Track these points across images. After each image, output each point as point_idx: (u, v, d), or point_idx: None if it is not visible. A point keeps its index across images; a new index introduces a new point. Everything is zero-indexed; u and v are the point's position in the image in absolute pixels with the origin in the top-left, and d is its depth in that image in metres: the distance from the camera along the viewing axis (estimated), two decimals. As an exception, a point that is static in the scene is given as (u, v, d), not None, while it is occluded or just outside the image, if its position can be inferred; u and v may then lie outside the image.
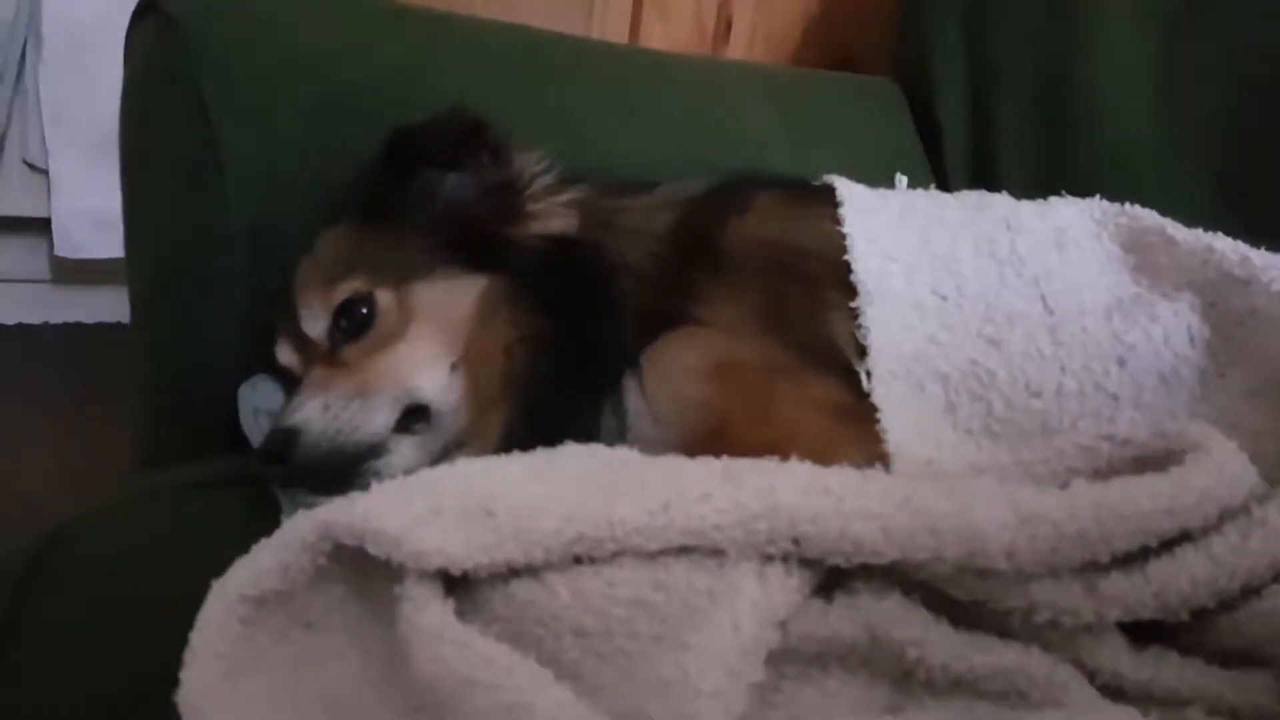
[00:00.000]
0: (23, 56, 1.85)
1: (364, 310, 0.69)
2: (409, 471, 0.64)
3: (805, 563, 0.49)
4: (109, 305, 2.10)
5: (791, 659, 0.48)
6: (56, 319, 2.11)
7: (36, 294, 2.08)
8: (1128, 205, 0.78)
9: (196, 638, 0.47)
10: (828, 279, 0.69)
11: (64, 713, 0.55)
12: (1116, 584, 0.49)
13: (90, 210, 1.93)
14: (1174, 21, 1.10)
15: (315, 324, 0.70)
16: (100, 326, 2.10)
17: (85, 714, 0.54)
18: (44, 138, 1.90)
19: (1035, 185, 1.07)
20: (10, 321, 2.09)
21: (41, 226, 1.99)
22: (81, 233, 1.94)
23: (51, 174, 1.92)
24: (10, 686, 0.57)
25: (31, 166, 1.94)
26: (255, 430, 0.70)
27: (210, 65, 0.75)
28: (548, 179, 0.75)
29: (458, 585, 0.49)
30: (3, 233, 2.00)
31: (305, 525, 0.50)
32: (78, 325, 2.11)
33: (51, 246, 1.97)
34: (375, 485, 0.53)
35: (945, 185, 1.14)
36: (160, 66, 0.76)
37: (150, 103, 0.78)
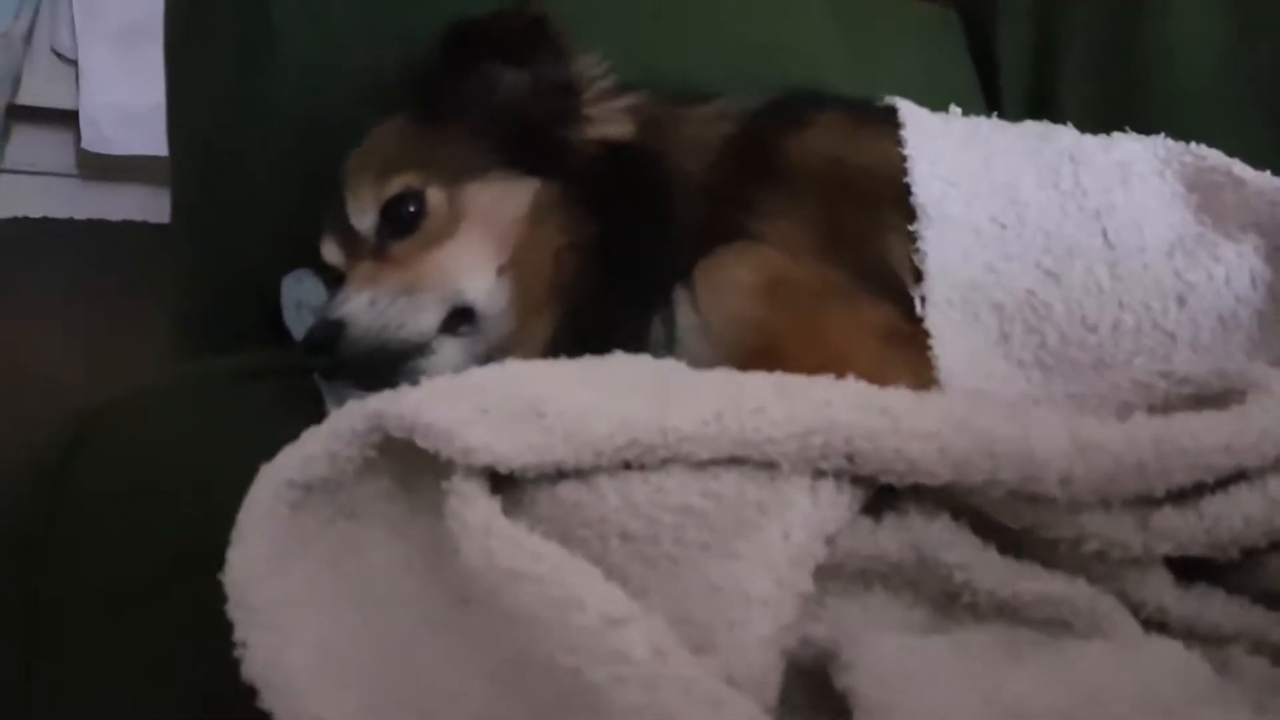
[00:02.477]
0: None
1: (413, 207, 0.68)
2: (454, 372, 0.65)
3: (856, 480, 0.49)
4: (136, 202, 2.09)
5: (837, 574, 0.48)
6: (82, 214, 2.10)
7: (63, 187, 2.06)
8: (1193, 144, 0.75)
9: (245, 518, 0.47)
10: (887, 199, 0.67)
11: (105, 589, 0.55)
12: (1169, 518, 0.48)
13: (119, 105, 1.90)
14: None
15: (363, 218, 0.69)
16: (126, 224, 2.09)
17: (126, 590, 0.55)
18: (74, 27, 1.86)
19: (1095, 125, 1.04)
20: (36, 214, 2.08)
21: (69, 119, 1.96)
22: (110, 127, 1.92)
23: (81, 66, 1.88)
24: (54, 562, 0.58)
25: (61, 57, 1.91)
26: (298, 323, 0.70)
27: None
28: (606, 83, 0.73)
29: (504, 484, 0.49)
30: (30, 123, 1.97)
31: (356, 414, 0.49)
32: (103, 222, 2.10)
33: (79, 140, 1.95)
34: (426, 381, 0.52)
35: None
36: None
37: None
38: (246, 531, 0.47)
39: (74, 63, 1.90)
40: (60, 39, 1.88)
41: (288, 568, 0.48)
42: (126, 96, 1.86)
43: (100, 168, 2.00)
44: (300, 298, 0.71)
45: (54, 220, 2.08)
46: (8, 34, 1.80)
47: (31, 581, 0.57)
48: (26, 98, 1.91)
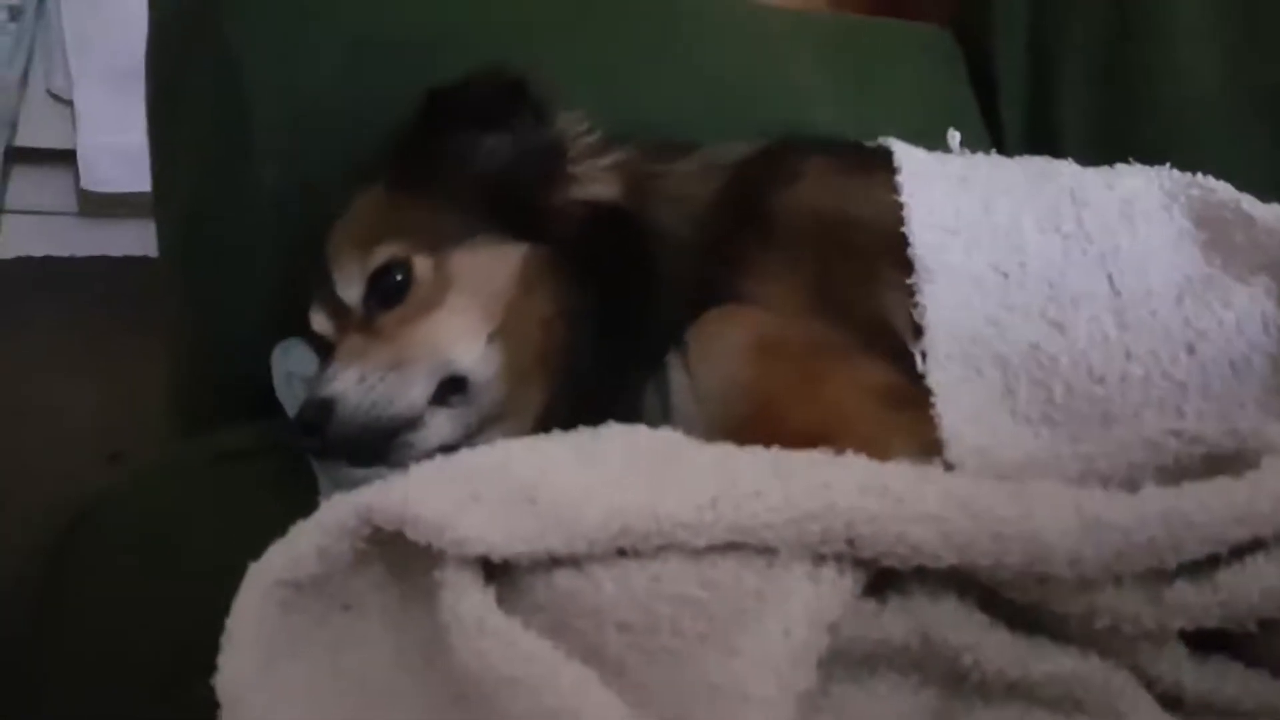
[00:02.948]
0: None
1: (400, 277, 0.66)
2: (445, 444, 0.64)
3: (859, 562, 0.47)
4: (136, 238, 2.08)
5: (840, 660, 0.47)
6: (83, 252, 2.11)
7: (64, 227, 2.07)
8: (1200, 176, 0.73)
9: (234, 625, 0.46)
10: (883, 253, 0.66)
11: (106, 683, 0.55)
12: (1182, 592, 0.47)
13: (116, 144, 1.90)
14: None
15: (350, 290, 0.68)
16: (128, 260, 2.09)
17: (127, 684, 0.54)
18: (68, 69, 1.86)
19: (1096, 146, 1.03)
20: (38, 254, 2.09)
21: (68, 159, 1.97)
22: (107, 166, 1.92)
23: (76, 107, 1.89)
24: (51, 655, 0.57)
25: (56, 98, 1.91)
26: (289, 395, 0.69)
27: (238, 11, 0.72)
28: (591, 140, 0.72)
29: (499, 571, 0.48)
30: (29, 164, 1.98)
31: (344, 509, 0.49)
32: (105, 258, 2.10)
33: (78, 179, 1.95)
34: (414, 467, 0.51)
35: (1000, 143, 1.09)
36: (186, 13, 0.73)
37: (176, 52, 0.75)
38: (237, 638, 0.46)
39: (70, 103, 1.90)
40: (55, 81, 1.89)
41: (281, 670, 0.47)
42: (123, 135, 1.85)
43: (100, 205, 2.00)
44: (290, 369, 0.70)
45: (56, 259, 2.09)
46: (3, 78, 1.80)
47: (23, 687, 0.56)
48: (24, 140, 1.92)
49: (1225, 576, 0.47)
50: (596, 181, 0.70)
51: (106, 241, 2.09)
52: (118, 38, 1.77)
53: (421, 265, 0.67)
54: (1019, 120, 1.13)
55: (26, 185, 2.02)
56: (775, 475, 0.49)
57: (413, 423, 0.63)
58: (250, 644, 0.46)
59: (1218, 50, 1.04)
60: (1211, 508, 0.46)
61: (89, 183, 1.90)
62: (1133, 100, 1.06)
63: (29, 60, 1.83)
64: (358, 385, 0.62)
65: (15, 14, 1.79)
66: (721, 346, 0.63)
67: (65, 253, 2.09)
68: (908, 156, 0.72)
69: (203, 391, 0.79)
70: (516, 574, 0.49)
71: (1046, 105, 1.11)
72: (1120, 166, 0.76)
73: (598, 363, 0.65)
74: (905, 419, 0.60)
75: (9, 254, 2.05)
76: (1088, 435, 0.60)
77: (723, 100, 0.93)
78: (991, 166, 0.76)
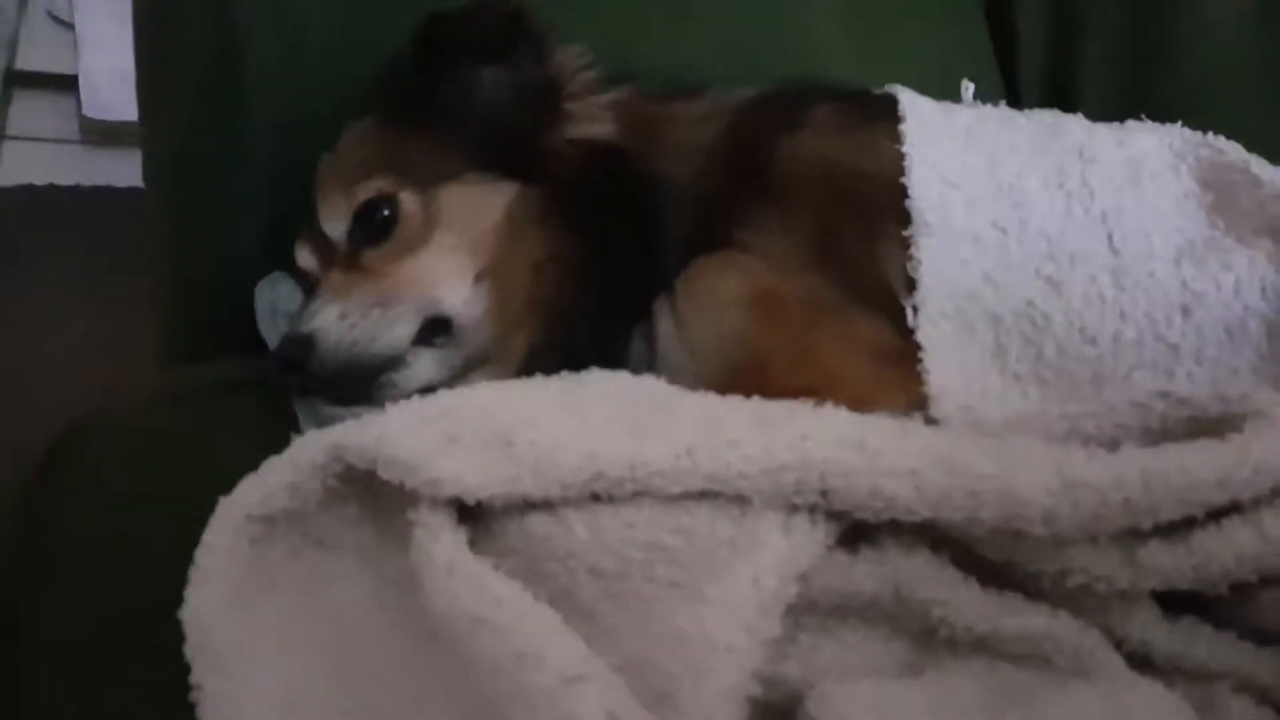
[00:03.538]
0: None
1: (386, 212, 0.65)
2: (428, 385, 0.63)
3: (832, 514, 0.47)
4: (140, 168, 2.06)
5: (810, 610, 0.47)
6: (87, 181, 2.09)
7: (67, 154, 2.05)
8: (1211, 136, 0.71)
9: (203, 558, 0.46)
10: (884, 205, 0.64)
11: (87, 608, 0.55)
12: (1156, 553, 0.47)
13: (119, 69, 1.86)
14: None
15: (335, 225, 0.67)
16: (133, 190, 2.07)
17: (107, 610, 0.55)
18: (68, -10, 1.82)
19: (1114, 103, 1.00)
20: (41, 182, 2.07)
21: (70, 84, 1.94)
22: (110, 92, 1.89)
23: (78, 31, 1.85)
24: (31, 580, 0.58)
25: (58, 20, 1.88)
26: (272, 330, 0.69)
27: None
28: (589, 77, 0.70)
29: (472, 513, 0.48)
30: (31, 89, 1.95)
31: (316, 446, 0.48)
32: (109, 188, 2.09)
33: (80, 106, 1.93)
34: (390, 406, 0.51)
35: (1017, 99, 1.06)
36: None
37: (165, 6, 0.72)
38: (206, 571, 0.46)
39: (71, 26, 1.86)
40: (56, 3, 1.85)
41: (252, 606, 0.47)
42: (126, 60, 1.82)
43: (103, 133, 1.98)
44: (275, 303, 0.69)
45: (59, 188, 2.07)
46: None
47: (10, 612, 0.57)
48: (24, 63, 1.89)
49: (1200, 539, 0.47)
50: (593, 120, 0.68)
51: (111, 170, 2.07)
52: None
53: (409, 201, 0.65)
54: (1038, 75, 1.10)
55: (28, 111, 1.99)
56: (754, 425, 0.49)
57: (395, 362, 0.62)
58: (219, 577, 0.46)
59: (1249, 10, 1.00)
60: (1190, 470, 0.46)
61: (91, 109, 1.88)
62: (1155, 59, 1.02)
63: (30, -20, 1.80)
64: (339, 322, 0.61)
65: (16, -65, 1.75)
66: (712, 296, 0.62)
67: (68, 181, 2.07)
68: (913, 107, 0.70)
69: (192, 326, 0.78)
70: (491, 516, 0.49)
71: (1066, 61, 1.08)
72: (1131, 124, 0.74)
73: (586, 308, 0.64)
74: (896, 377, 0.59)
75: (11, 181, 2.04)
76: (1077, 395, 0.59)
77: (735, 46, 0.90)
78: (1000, 120, 0.74)
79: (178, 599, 0.46)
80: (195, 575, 0.46)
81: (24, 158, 2.02)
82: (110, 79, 1.88)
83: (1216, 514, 0.47)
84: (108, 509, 0.59)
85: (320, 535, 0.50)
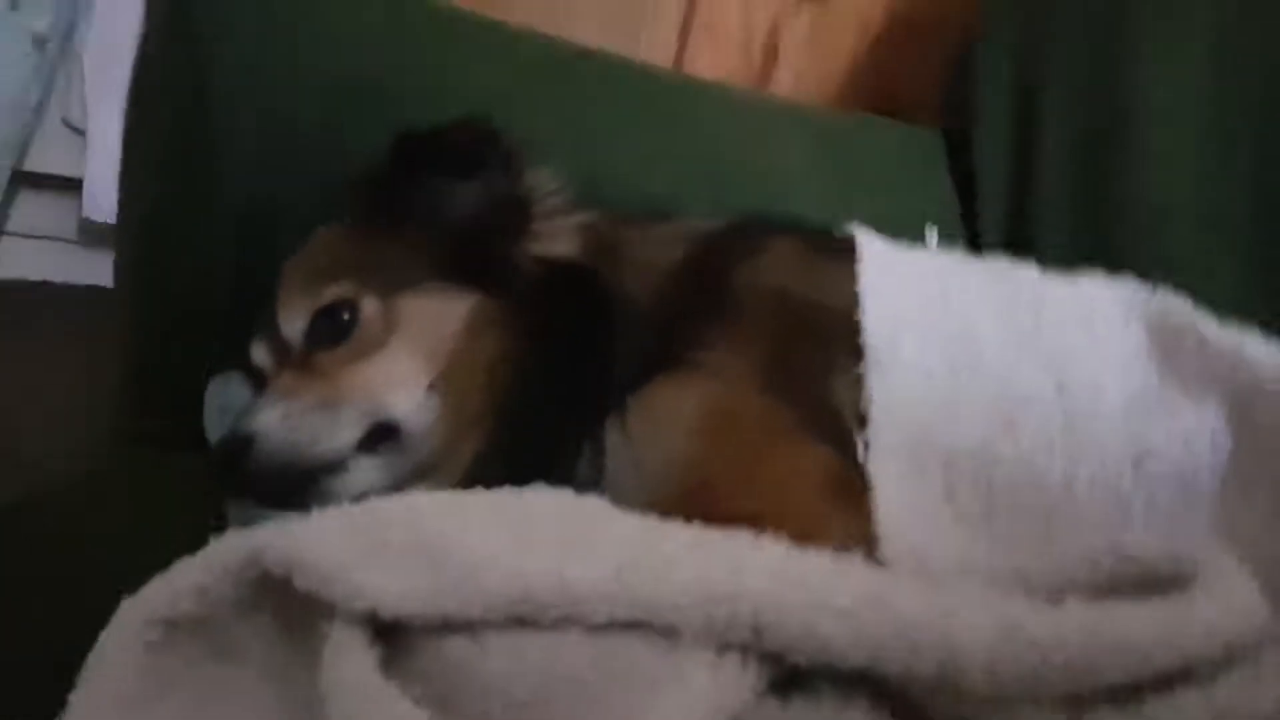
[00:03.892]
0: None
1: (346, 316, 0.65)
2: (366, 493, 0.61)
3: (766, 656, 0.45)
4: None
5: (737, 759, 0.44)
6: (80, 280, 2.11)
7: (62, 253, 2.08)
8: (1160, 292, 0.73)
9: (95, 658, 0.44)
10: (839, 338, 0.64)
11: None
12: (1105, 718, 0.44)
13: (123, 175, 1.92)
14: (1216, 57, 1.05)
15: (293, 325, 0.67)
16: (123, 291, 2.09)
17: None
18: (84, 99, 1.90)
19: (1070, 251, 1.03)
20: (35, 277, 2.09)
21: (73, 187, 1.99)
22: (111, 196, 1.93)
23: (89, 136, 1.91)
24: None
25: (72, 127, 1.94)
26: (218, 429, 0.67)
27: (215, 33, 0.72)
28: (558, 199, 0.71)
29: (390, 631, 0.46)
30: (35, 189, 2.00)
31: (230, 548, 0.46)
32: (101, 289, 2.11)
33: (81, 207, 1.97)
34: (316, 512, 0.49)
35: (976, 242, 1.10)
36: (165, 29, 0.73)
37: (151, 66, 0.75)
38: (94, 675, 0.43)
39: (83, 132, 1.93)
40: (71, 110, 1.92)
41: (140, 712, 0.44)
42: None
43: (100, 235, 2.02)
44: (224, 402, 0.68)
45: (53, 284, 2.09)
46: (19, 103, 1.83)
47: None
48: (33, 165, 1.94)
49: (1152, 707, 0.44)
50: (559, 239, 0.70)
51: (105, 272, 2.10)
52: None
53: (370, 306, 0.66)
54: (997, 219, 1.14)
55: (29, 210, 2.03)
56: (690, 550, 0.47)
57: (335, 467, 0.61)
58: (106, 681, 0.43)
59: (1189, 146, 1.05)
60: (1134, 632, 0.44)
61: (91, 210, 1.91)
62: (1104, 210, 1.07)
63: (48, 89, 1.87)
64: (281, 422, 0.60)
65: (40, 42, 1.83)
66: (664, 416, 0.62)
67: (62, 279, 2.09)
68: (870, 245, 0.72)
69: (144, 413, 0.76)
70: (410, 634, 0.46)
71: (1023, 204, 1.12)
72: (1083, 277, 0.76)
73: (536, 421, 0.63)
74: (843, 509, 0.58)
75: (5, 275, 2.06)
76: (1026, 543, 0.58)
77: (712, 178, 0.93)
78: (955, 263, 0.76)
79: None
80: (83, 677, 0.43)
81: (21, 253, 2.04)
82: (113, 184, 1.93)
83: (1171, 680, 0.45)
84: (19, 590, 0.56)
85: (225, 646, 0.48)
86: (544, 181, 0.72)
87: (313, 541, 0.46)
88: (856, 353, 0.64)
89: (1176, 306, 0.70)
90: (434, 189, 0.69)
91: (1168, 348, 0.66)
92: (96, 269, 2.09)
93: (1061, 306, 0.69)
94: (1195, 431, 0.60)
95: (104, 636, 0.44)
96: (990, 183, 1.13)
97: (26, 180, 1.97)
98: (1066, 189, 1.08)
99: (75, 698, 0.43)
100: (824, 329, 0.66)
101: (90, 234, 2.03)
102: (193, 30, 0.72)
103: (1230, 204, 1.02)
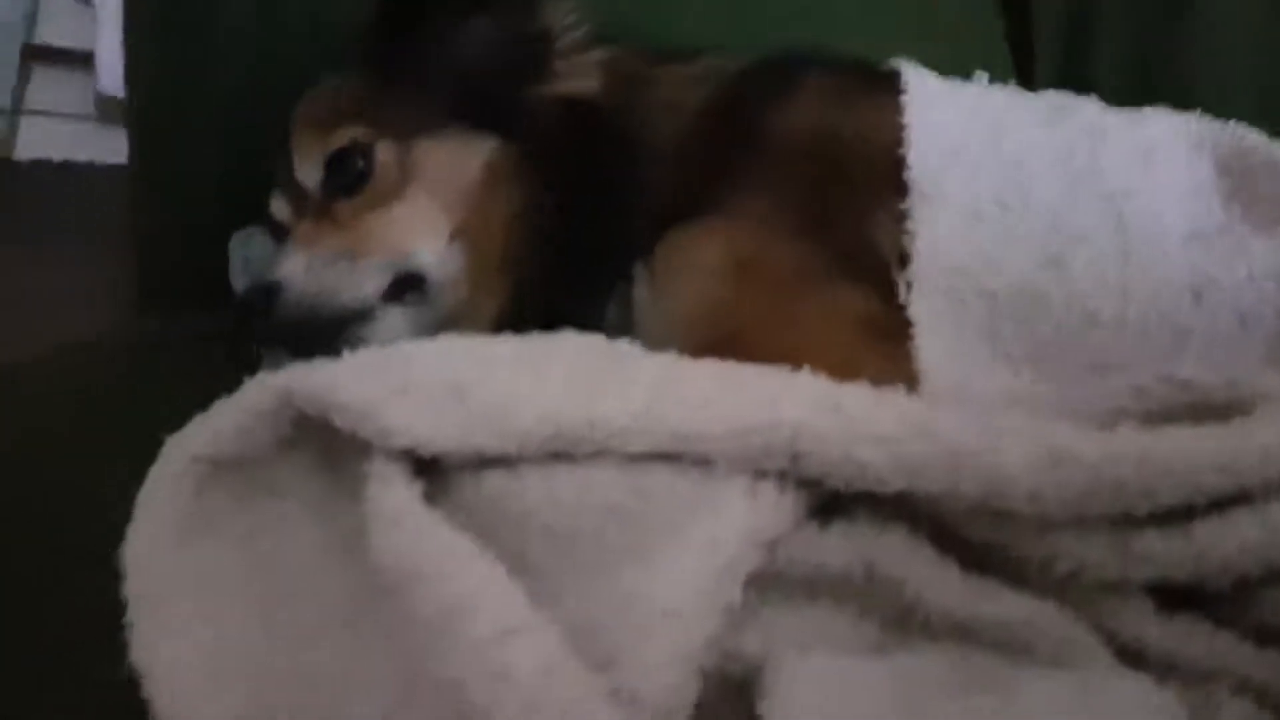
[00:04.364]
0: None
1: (360, 162, 0.63)
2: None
3: (803, 482, 0.44)
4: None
5: (776, 583, 0.44)
6: (102, 159, 2.09)
7: (81, 131, 2.05)
8: (1231, 123, 0.68)
9: (146, 495, 0.44)
10: (880, 175, 0.61)
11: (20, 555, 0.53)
12: (1152, 542, 0.43)
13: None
14: None
15: (309, 173, 0.65)
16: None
17: (41, 557, 0.53)
18: (90, -34, 1.83)
19: (1128, 96, 0.97)
20: (57, 158, 2.07)
21: (87, 61, 1.95)
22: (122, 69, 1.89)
23: (97, 5, 1.86)
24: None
25: (78, -1, 1.89)
26: (243, 282, 0.67)
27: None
28: (577, 34, 0.67)
29: (431, 468, 0.46)
30: (49, 64, 1.96)
31: (266, 390, 0.46)
32: (122, 167, 2.09)
33: (97, 82, 1.93)
34: (347, 355, 0.49)
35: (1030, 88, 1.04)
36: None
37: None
38: (148, 510, 0.44)
39: (91, 3, 1.87)
40: (77, -20, 1.86)
41: (192, 547, 0.45)
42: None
43: (116, 111, 1.99)
44: (248, 255, 0.67)
45: (74, 164, 2.07)
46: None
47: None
48: (43, 38, 1.90)
49: (1202, 529, 0.43)
50: (579, 78, 0.66)
51: (124, 149, 2.08)
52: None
53: (385, 152, 0.63)
54: (1053, 62, 1.07)
55: (45, 87, 2.00)
56: (723, 385, 0.46)
57: (362, 316, 0.60)
58: (159, 517, 0.44)
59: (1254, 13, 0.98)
60: (1191, 453, 0.42)
61: (106, 86, 1.88)
62: (1163, 62, 1.00)
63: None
64: (305, 271, 0.59)
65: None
66: (692, 263, 0.60)
67: (83, 158, 2.08)
68: (917, 78, 0.67)
69: (166, 278, 0.76)
70: (448, 473, 0.46)
71: (1080, 67, 1.06)
72: (1148, 110, 0.71)
73: (561, 271, 0.61)
74: (883, 351, 0.56)
75: (28, 155, 2.05)
76: (1075, 379, 0.56)
77: (739, 10, 0.87)
78: (1007, 97, 0.71)
79: (115, 540, 0.44)
80: (137, 512, 0.44)
81: (40, 133, 2.03)
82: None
83: (1220, 503, 0.44)
84: (47, 449, 0.57)
85: (269, 482, 0.48)
86: (564, 15, 0.67)
87: (343, 381, 0.46)
88: (899, 190, 0.61)
89: (1248, 135, 0.65)
90: (446, 25, 0.65)
91: (1239, 179, 0.63)
92: (115, 146, 2.07)
93: (1122, 142, 0.65)
94: (1263, 265, 0.57)
95: (152, 474, 0.45)
96: (1047, 46, 1.06)
97: (39, 55, 1.93)
98: (1122, 48, 1.02)
99: (131, 531, 0.43)
100: (864, 166, 0.63)
101: (107, 109, 2.00)
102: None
103: None
